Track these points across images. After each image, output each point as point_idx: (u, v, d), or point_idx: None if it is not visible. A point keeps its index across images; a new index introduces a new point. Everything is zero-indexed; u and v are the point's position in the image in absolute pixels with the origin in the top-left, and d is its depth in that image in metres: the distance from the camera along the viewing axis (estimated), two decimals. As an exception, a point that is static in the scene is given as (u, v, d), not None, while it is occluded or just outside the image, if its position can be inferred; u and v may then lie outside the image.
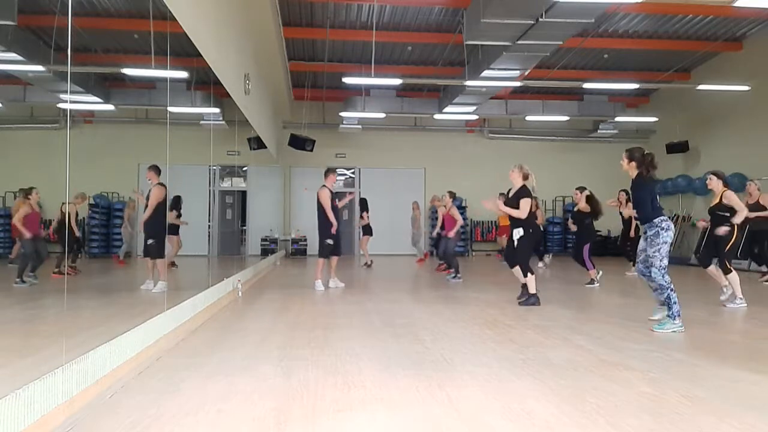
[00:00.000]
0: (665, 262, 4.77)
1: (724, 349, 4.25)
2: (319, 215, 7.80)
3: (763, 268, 9.48)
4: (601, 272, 8.55)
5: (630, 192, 5.07)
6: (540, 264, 12.00)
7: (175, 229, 9.56)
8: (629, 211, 10.01)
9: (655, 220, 4.82)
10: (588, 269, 8.46)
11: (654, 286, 4.93)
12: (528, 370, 3.44)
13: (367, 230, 12.42)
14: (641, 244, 5.01)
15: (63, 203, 8.37)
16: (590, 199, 8.71)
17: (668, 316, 4.70)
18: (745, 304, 6.17)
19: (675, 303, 4.68)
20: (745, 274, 9.89)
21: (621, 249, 11.48)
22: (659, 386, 3.09)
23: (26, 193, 8.07)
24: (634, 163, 4.95)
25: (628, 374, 3.35)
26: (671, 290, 4.71)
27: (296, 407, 2.74)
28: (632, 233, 10.07)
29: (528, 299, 6.27)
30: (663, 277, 4.74)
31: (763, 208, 8.37)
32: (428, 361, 3.68)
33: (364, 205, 12.58)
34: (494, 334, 4.60)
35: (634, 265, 10.14)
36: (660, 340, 4.35)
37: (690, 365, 3.61)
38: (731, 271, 6.29)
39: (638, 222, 5.09)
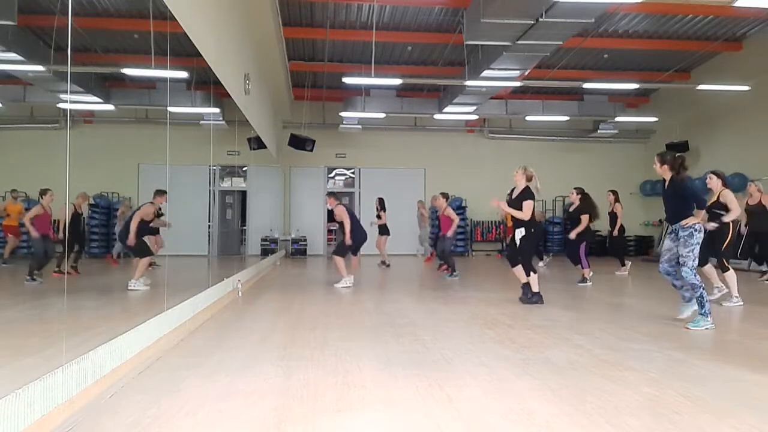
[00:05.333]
0: (696, 262, 4.92)
1: (723, 349, 4.25)
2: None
3: (763, 267, 9.48)
4: (592, 273, 8.56)
5: (663, 194, 5.17)
6: (540, 263, 12.01)
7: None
8: (620, 210, 10.06)
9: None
10: (582, 268, 8.49)
11: (678, 285, 5.13)
12: (528, 370, 3.44)
13: (384, 230, 12.23)
14: (668, 244, 5.14)
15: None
16: (585, 199, 8.71)
17: (701, 314, 4.84)
18: (741, 303, 6.18)
19: (707, 301, 4.85)
20: (745, 273, 9.90)
21: (610, 249, 11.38)
22: (659, 386, 3.09)
23: (41, 193, 8.22)
24: (666, 166, 5.08)
25: (628, 374, 3.35)
26: (703, 288, 4.86)
27: (296, 407, 2.74)
28: (615, 232, 10.10)
29: (531, 298, 6.30)
30: (695, 276, 4.89)
31: (763, 209, 8.37)
32: (428, 361, 3.68)
33: (381, 204, 12.39)
34: (494, 334, 4.60)
35: (623, 265, 10.28)
36: (660, 340, 4.35)
37: (690, 365, 3.61)
38: (729, 269, 6.32)
39: (667, 222, 5.17)
